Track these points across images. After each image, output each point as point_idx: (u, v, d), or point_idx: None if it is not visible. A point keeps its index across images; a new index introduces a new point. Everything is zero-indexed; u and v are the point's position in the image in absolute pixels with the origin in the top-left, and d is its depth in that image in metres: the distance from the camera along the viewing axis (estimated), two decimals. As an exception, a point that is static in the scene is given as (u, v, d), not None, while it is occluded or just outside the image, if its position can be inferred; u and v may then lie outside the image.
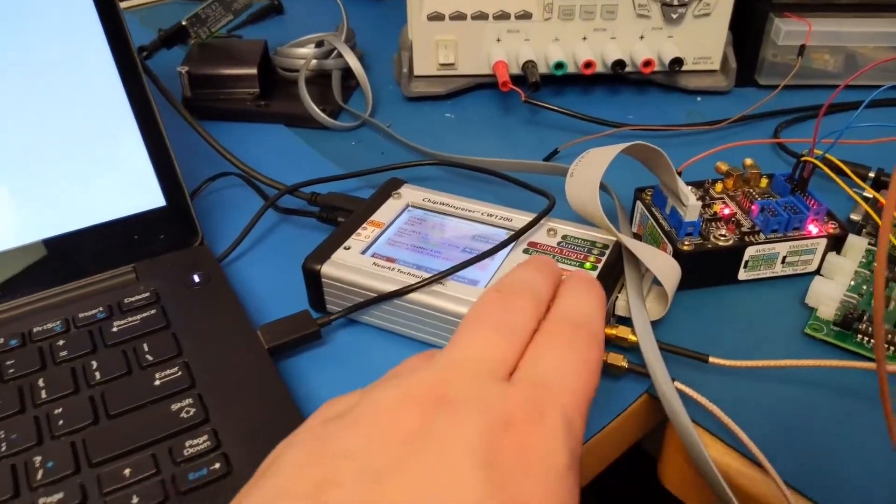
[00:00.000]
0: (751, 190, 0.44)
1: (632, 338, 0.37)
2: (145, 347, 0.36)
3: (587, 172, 0.39)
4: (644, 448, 0.43)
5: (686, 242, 0.40)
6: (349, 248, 0.40)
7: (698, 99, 0.63)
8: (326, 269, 0.39)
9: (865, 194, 0.45)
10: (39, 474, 0.30)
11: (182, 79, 0.61)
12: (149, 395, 0.34)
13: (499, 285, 0.26)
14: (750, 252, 0.40)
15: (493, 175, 0.49)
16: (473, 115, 0.62)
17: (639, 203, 0.44)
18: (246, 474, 0.23)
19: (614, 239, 0.40)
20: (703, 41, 0.61)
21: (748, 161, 0.45)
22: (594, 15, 0.59)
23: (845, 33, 0.60)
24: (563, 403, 0.22)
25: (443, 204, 0.44)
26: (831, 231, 0.41)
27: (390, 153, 0.57)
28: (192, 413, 0.33)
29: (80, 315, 0.38)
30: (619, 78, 0.63)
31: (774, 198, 0.43)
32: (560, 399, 0.22)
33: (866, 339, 0.37)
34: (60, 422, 0.33)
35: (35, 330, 0.37)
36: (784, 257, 0.41)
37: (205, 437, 0.32)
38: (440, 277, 0.37)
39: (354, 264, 0.39)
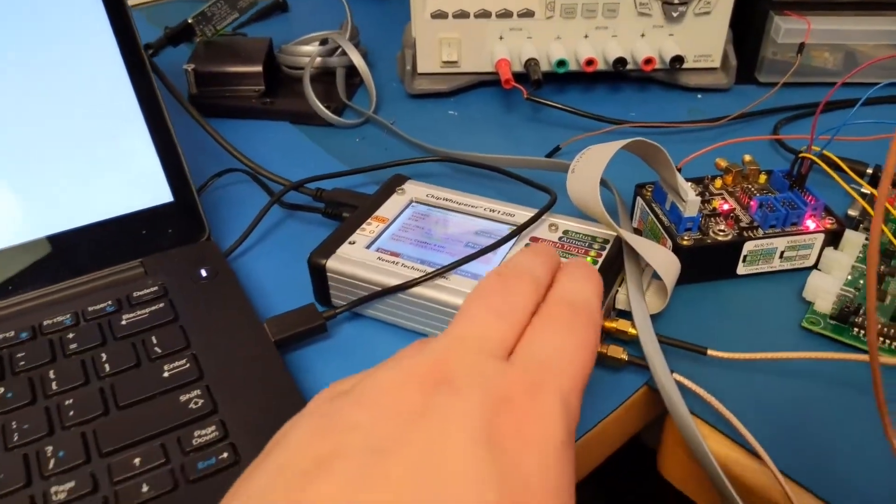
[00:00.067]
0: (749, 186, 0.44)
1: (632, 331, 0.37)
2: (154, 340, 0.37)
3: (588, 169, 0.39)
4: (642, 441, 0.44)
5: (685, 237, 0.41)
6: (354, 243, 0.41)
7: (699, 96, 0.64)
8: (332, 263, 0.39)
9: (863, 190, 0.45)
10: (51, 464, 0.31)
11: (188, 76, 0.61)
12: (158, 387, 0.34)
13: (499, 269, 0.27)
14: (748, 247, 0.41)
15: (495, 171, 0.50)
16: (476, 112, 0.63)
17: (639, 199, 0.45)
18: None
19: (615, 234, 0.40)
20: (704, 39, 0.62)
21: (747, 157, 0.45)
22: (596, 13, 0.60)
23: (845, 31, 0.60)
24: (560, 382, 0.22)
25: (446, 200, 0.44)
26: (829, 226, 0.42)
27: (394, 150, 0.57)
28: (200, 404, 0.33)
29: (90, 308, 0.39)
30: (620, 75, 0.64)
31: (773, 194, 0.43)
32: (558, 378, 0.22)
33: (862, 332, 0.38)
34: (71, 412, 0.33)
35: (45, 323, 0.38)
36: (782, 252, 0.42)
37: (213, 428, 0.32)
38: (444, 272, 0.38)
39: (359, 259, 0.40)
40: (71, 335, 0.37)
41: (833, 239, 0.42)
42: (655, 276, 0.39)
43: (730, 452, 0.34)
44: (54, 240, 0.41)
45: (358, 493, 0.19)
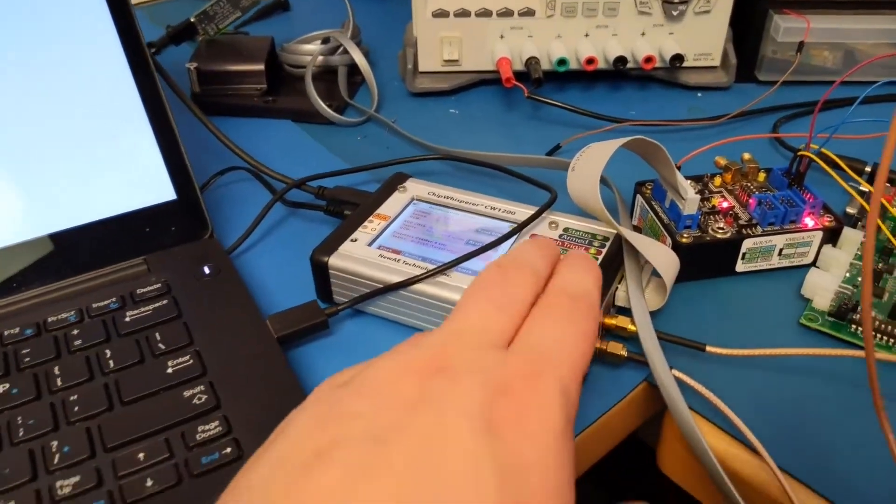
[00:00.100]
0: (749, 184, 0.45)
1: (631, 327, 0.37)
2: (157, 336, 0.37)
3: (588, 167, 0.39)
4: (641, 438, 0.44)
5: (685, 235, 0.41)
6: (356, 241, 0.41)
7: (699, 95, 0.64)
8: (334, 260, 0.40)
9: (861, 188, 0.45)
10: (56, 458, 0.31)
11: (190, 75, 0.61)
12: (161, 383, 0.35)
13: (499, 261, 0.27)
14: (747, 244, 0.41)
15: (496, 169, 0.50)
16: (477, 110, 0.63)
17: (639, 196, 0.45)
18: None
19: (614, 231, 0.41)
20: (704, 38, 0.62)
21: (746, 156, 0.45)
22: (596, 12, 0.60)
23: (844, 30, 0.60)
24: (560, 372, 0.22)
25: (447, 197, 0.45)
26: (827, 224, 0.42)
27: (395, 148, 0.58)
28: (203, 399, 0.34)
29: (94, 305, 0.39)
30: (620, 74, 0.64)
31: (772, 191, 0.44)
32: (558, 367, 0.22)
33: (860, 328, 0.38)
34: (76, 408, 0.33)
35: (50, 320, 0.38)
36: (781, 250, 0.42)
37: (216, 423, 0.33)
38: (445, 269, 0.38)
39: (361, 256, 0.40)
40: (75, 331, 0.37)
41: (831, 236, 0.42)
42: (655, 273, 0.40)
43: (728, 448, 0.34)
44: (58, 237, 0.41)
45: (357, 483, 0.19)
